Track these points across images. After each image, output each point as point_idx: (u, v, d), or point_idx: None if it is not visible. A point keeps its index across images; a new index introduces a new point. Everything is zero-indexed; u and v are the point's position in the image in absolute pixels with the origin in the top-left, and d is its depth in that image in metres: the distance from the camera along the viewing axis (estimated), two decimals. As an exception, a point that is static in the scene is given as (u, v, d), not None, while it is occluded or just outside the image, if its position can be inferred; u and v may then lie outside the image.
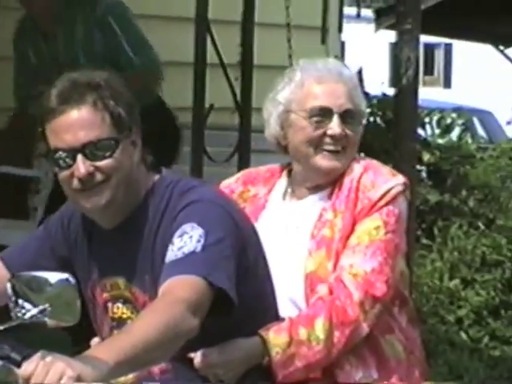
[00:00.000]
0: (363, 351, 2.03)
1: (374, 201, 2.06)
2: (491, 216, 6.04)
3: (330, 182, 2.12)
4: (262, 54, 4.91)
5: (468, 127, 8.59)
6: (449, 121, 7.44)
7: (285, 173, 2.22)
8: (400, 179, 2.12)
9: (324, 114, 2.09)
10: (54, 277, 1.74)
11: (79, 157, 1.82)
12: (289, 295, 2.06)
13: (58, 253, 2.03)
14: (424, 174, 6.25)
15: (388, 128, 5.69)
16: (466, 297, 5.54)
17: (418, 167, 5.74)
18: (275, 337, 1.94)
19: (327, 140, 2.10)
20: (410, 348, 2.11)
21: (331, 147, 2.09)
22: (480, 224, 5.86)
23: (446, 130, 7.31)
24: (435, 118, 7.28)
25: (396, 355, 2.06)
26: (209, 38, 4.39)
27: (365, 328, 1.98)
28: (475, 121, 11.32)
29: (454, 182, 6.07)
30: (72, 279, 1.74)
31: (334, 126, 2.08)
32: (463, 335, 5.44)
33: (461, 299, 5.58)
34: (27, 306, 1.70)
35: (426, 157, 6.18)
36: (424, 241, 5.95)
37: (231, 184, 2.25)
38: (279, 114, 2.14)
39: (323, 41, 5.82)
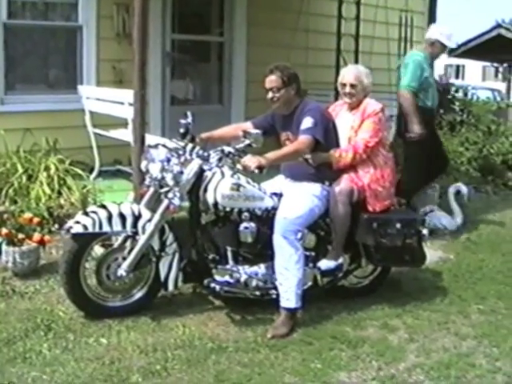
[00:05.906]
0: (366, 161, 5.00)
1: (369, 113, 5.03)
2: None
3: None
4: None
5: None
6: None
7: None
8: (379, 105, 5.09)
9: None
10: (255, 131, 4.58)
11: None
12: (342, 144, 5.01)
13: (270, 122, 4.98)
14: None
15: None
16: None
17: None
18: (333, 154, 4.89)
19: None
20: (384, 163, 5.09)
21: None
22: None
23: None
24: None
25: (379, 164, 5.02)
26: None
27: (363, 155, 4.97)
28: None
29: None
30: (260, 132, 4.55)
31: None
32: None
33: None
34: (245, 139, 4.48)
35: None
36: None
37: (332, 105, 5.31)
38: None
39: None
